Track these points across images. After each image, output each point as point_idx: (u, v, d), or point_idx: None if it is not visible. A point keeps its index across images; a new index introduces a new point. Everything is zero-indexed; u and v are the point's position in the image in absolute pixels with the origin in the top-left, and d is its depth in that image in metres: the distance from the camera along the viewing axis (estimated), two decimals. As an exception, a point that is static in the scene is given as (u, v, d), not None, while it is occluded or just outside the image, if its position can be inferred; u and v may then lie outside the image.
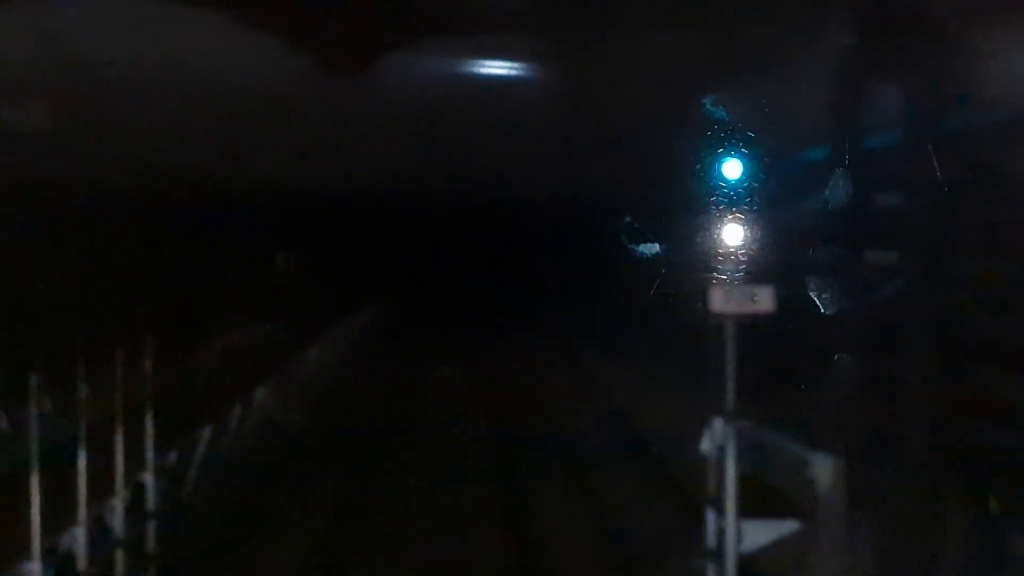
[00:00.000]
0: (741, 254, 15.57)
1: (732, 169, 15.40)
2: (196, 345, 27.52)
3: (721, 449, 17.35)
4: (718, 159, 15.43)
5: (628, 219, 42.12)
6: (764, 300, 15.41)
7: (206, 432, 21.61)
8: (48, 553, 13.58)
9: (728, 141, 15.18)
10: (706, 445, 18.39)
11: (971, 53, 11.44)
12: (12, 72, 12.80)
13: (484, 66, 13.85)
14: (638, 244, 42.40)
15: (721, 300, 15.48)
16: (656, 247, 40.69)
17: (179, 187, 24.78)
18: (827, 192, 14.63)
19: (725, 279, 15.66)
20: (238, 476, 23.28)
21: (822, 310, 15.91)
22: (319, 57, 12.86)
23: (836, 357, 14.83)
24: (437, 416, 31.34)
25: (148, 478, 16.84)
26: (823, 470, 15.55)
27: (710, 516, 16.48)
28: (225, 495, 21.76)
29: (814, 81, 13.95)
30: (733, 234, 15.59)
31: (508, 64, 13.90)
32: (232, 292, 31.41)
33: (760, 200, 15.03)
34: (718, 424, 17.70)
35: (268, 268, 30.94)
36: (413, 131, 15.97)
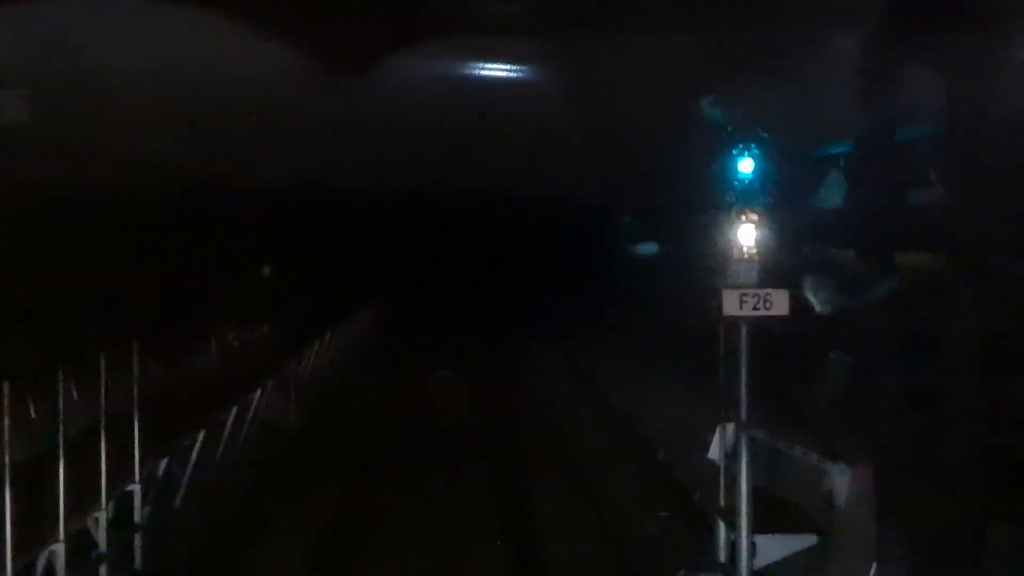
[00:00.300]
0: (755, 254, 14.58)
1: (744, 167, 14.49)
2: (190, 348, 26.65)
3: (730, 456, 16.52)
4: (726, 158, 14.58)
5: (627, 219, 41.44)
6: (779, 303, 14.46)
7: (199, 437, 20.61)
8: (25, 571, 12.61)
9: (732, 140, 14.39)
10: (715, 452, 17.50)
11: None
12: (11, 72, 12.95)
13: (485, 69, 13.86)
14: (639, 244, 41.85)
15: (734, 303, 14.51)
16: (656, 247, 40.16)
17: (179, 187, 23.75)
18: (841, 190, 13.75)
19: (738, 281, 14.66)
20: (233, 481, 22.29)
21: (836, 312, 14.99)
22: (322, 59, 12.86)
23: (860, 361, 13.92)
24: (435, 419, 30.32)
25: (136, 488, 15.80)
26: (842, 482, 14.61)
27: (721, 528, 15.56)
28: (219, 503, 20.74)
29: (829, 78, 13.11)
30: (746, 234, 14.59)
31: (509, 67, 13.93)
32: (229, 293, 30.56)
33: (775, 198, 14.10)
34: (726, 430, 16.86)
35: (260, 272, 29.74)
36: (414, 132, 15.82)
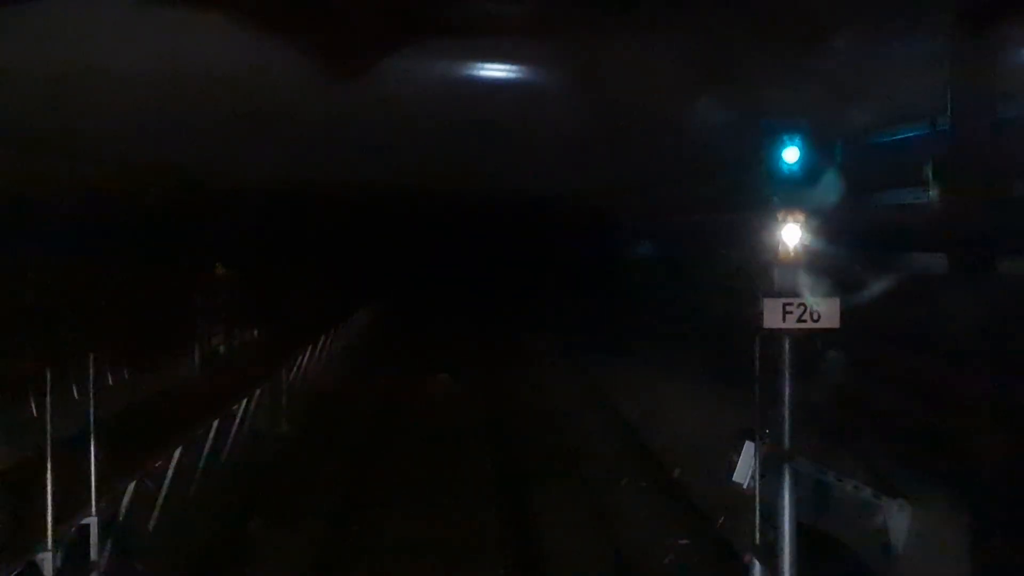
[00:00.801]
0: (800, 258, 12.36)
1: (789, 156, 12.29)
2: (169, 355, 24.50)
3: (758, 479, 14.54)
4: (767, 147, 12.43)
5: (632, 220, 39.39)
6: (829, 315, 12.25)
7: (175, 454, 18.41)
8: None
9: (774, 127, 12.29)
10: (741, 474, 15.44)
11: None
12: (14, 72, 12.47)
13: (485, 69, 13.44)
14: (643, 246, 39.81)
15: (776, 314, 12.29)
16: (659, 249, 38.13)
17: (179, 188, 23.52)
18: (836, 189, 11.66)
19: (778, 290, 12.43)
20: (214, 501, 20.10)
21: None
22: (322, 59, 12.53)
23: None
24: (434, 427, 28.09)
25: (92, 520, 13.59)
26: (900, 519, 12.44)
27: (757, 569, 13.37)
28: (197, 527, 18.56)
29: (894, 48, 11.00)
30: (791, 235, 12.36)
31: (509, 67, 13.47)
32: (217, 295, 28.49)
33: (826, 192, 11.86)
34: (754, 450, 14.85)
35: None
36: (413, 132, 15.35)
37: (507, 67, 13.45)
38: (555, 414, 29.09)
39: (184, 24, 12.13)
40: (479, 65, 13.36)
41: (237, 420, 23.31)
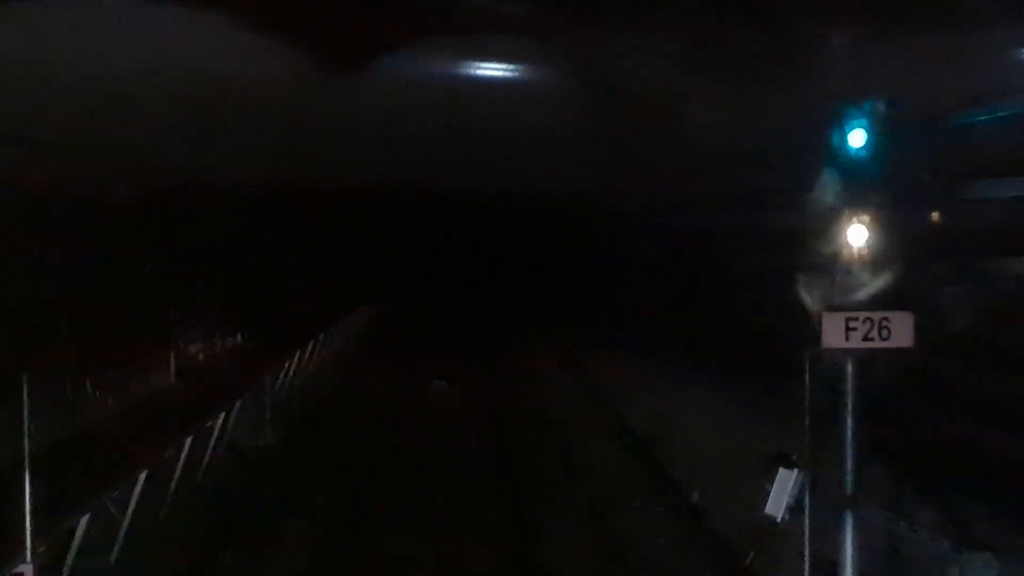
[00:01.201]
0: (866, 265, 10.30)
1: (855, 140, 10.22)
2: (138, 368, 22.43)
3: (794, 512, 12.68)
4: (831, 131, 10.39)
5: (637, 219, 37.50)
6: (901, 331, 10.19)
7: (140, 478, 16.34)
8: None
9: (838, 109, 10.29)
10: (775, 507, 13.48)
11: None
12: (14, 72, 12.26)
13: (483, 68, 13.18)
14: (645, 248, 38.00)
15: (838, 331, 10.21)
16: (651, 249, 36.38)
17: (179, 187, 22.90)
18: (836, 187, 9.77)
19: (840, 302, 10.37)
20: (186, 527, 18.03)
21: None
22: (322, 59, 12.41)
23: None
24: (429, 439, 26.02)
25: (27, 568, 11.50)
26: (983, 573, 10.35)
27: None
28: (164, 559, 16.49)
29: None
30: (856, 236, 10.29)
31: (507, 66, 13.19)
32: (199, 301, 26.49)
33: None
34: (791, 479, 12.96)
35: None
36: (414, 132, 15.17)
37: (507, 66, 13.11)
38: (558, 423, 26.98)
39: (183, 23, 11.81)
40: (479, 64, 13.04)
41: (215, 434, 21.25)
